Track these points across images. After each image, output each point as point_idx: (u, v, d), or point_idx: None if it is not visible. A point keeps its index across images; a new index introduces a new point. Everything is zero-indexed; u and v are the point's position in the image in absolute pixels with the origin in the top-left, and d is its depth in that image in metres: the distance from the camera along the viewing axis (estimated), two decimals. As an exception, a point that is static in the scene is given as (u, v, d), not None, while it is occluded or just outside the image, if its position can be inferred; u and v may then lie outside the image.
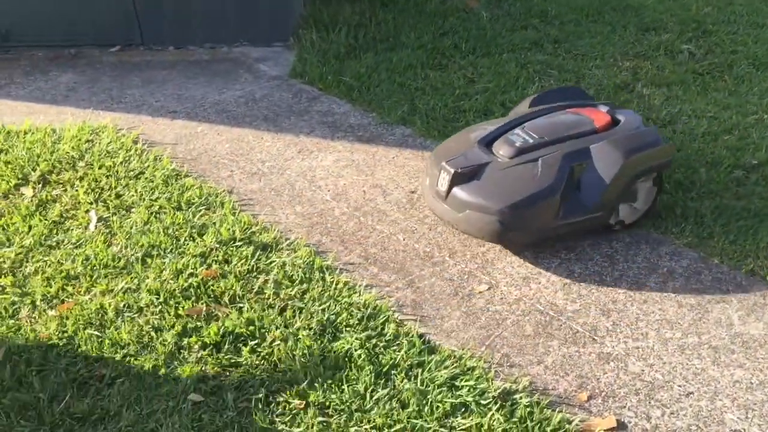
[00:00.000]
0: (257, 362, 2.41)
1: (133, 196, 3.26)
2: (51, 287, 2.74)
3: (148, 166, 3.47)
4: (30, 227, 3.08)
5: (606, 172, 2.76)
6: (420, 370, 2.36)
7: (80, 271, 2.82)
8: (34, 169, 3.46)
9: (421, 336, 2.50)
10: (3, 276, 2.81)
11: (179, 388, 2.31)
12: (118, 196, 3.27)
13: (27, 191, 3.33)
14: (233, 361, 2.42)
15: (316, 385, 2.31)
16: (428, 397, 2.26)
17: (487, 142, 2.94)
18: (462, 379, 2.33)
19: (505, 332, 2.53)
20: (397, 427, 2.18)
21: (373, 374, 2.34)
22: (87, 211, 3.16)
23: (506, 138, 2.91)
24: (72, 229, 3.06)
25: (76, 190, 3.30)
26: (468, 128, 3.18)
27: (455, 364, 2.38)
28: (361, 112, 3.97)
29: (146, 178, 3.38)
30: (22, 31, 4.80)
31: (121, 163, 3.50)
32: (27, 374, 2.37)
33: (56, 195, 3.29)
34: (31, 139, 3.71)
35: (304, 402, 2.27)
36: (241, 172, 3.46)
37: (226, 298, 2.67)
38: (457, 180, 2.79)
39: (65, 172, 3.44)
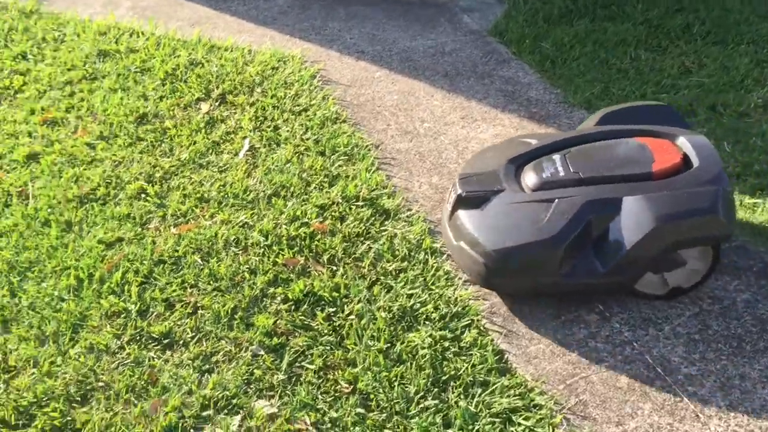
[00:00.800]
0: (326, 331, 2.37)
1: (287, 131, 3.31)
2: (183, 205, 2.91)
3: (313, 104, 3.49)
4: (192, 143, 3.27)
5: (630, 235, 2.21)
6: (480, 391, 2.16)
7: (213, 195, 2.95)
8: (217, 87, 3.65)
9: (498, 353, 2.28)
10: (152, 184, 3.04)
11: (247, 336, 2.36)
12: (275, 128, 3.35)
13: (204, 106, 3.53)
14: (305, 323, 2.40)
15: (369, 373, 2.22)
16: (476, 424, 2.07)
17: (519, 164, 2.49)
18: (522, 415, 2.09)
19: (594, 376, 2.22)
20: (431, 444, 2.03)
21: (430, 380, 2.19)
22: (244, 138, 3.29)
23: (538, 164, 2.44)
24: (224, 153, 3.21)
25: (243, 115, 3.43)
26: (521, 136, 2.72)
27: (521, 395, 2.14)
28: (546, 85, 3.63)
29: (306, 117, 3.41)
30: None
31: (292, 96, 3.56)
32: (130, 282, 2.56)
33: (225, 116, 3.46)
34: (227, 57, 3.91)
35: (352, 387, 2.19)
36: (396, 127, 3.36)
37: (325, 257, 2.64)
38: (461, 203, 2.42)
39: (242, 95, 3.59)
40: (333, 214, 2.83)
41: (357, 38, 4.15)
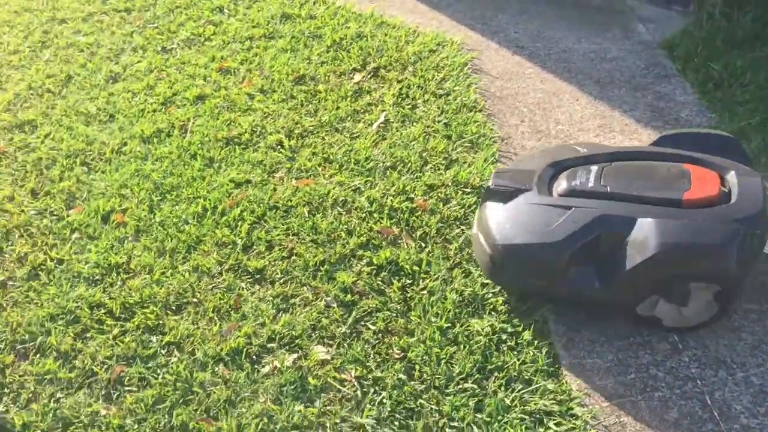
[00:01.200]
0: (397, 299, 2.50)
1: (423, 111, 3.45)
2: (309, 162, 3.16)
3: (456, 90, 3.60)
4: (336, 107, 3.52)
5: (633, 256, 2.15)
6: (521, 387, 2.19)
7: (338, 158, 3.17)
8: (374, 60, 3.87)
9: (552, 357, 2.29)
10: (289, 138, 3.32)
11: (325, 287, 2.56)
12: (413, 107, 3.50)
13: (357, 77, 3.77)
14: (380, 288, 2.55)
15: (422, 346, 2.33)
16: (507, 416, 2.12)
17: (559, 169, 2.46)
18: (554, 420, 2.10)
19: (643, 402, 2.16)
20: (457, 426, 2.11)
21: (476, 365, 2.26)
22: (382, 111, 3.48)
23: (573, 171, 2.41)
24: (360, 122, 3.42)
25: (389, 90, 3.62)
26: (577, 143, 2.67)
27: (560, 402, 2.15)
28: (702, 108, 3.44)
29: (446, 101, 3.53)
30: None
31: (439, 80, 3.69)
32: (244, 220, 2.86)
33: (373, 88, 3.66)
34: (392, 34, 4.11)
35: (402, 354, 2.32)
36: (529, 125, 3.38)
37: (418, 233, 2.77)
38: (490, 195, 2.46)
39: (393, 72, 3.78)
40: (439, 194, 2.94)
41: (521, 33, 4.17)
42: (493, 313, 2.44)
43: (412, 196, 2.94)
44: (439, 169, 3.08)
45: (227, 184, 3.05)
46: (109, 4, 4.61)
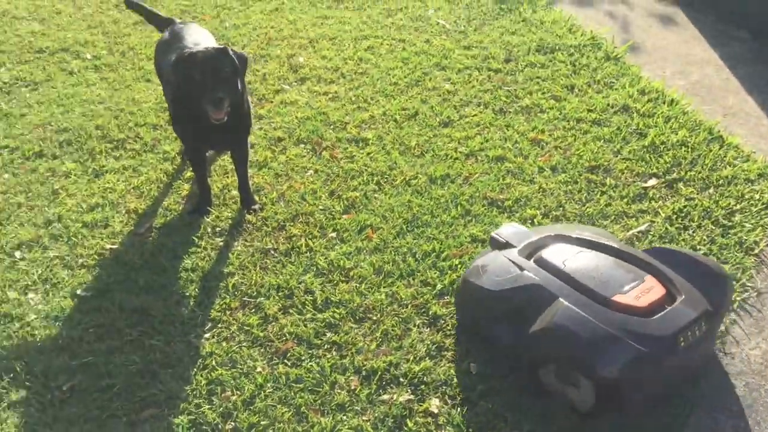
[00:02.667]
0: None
1: (689, 238, 3.24)
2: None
3: (741, 226, 3.27)
4: (606, 204, 3.52)
5: (536, 324, 2.42)
6: None
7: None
8: (679, 171, 3.72)
9: None
10: (546, 216, 3.46)
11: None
12: (683, 229, 3.31)
13: (650, 182, 3.68)
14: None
15: None
16: None
17: (551, 241, 2.74)
18: None
19: None
20: None
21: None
22: (650, 222, 3.37)
23: (554, 247, 2.69)
24: (619, 224, 3.38)
25: (671, 204, 3.47)
26: (585, 227, 3.06)
27: None
28: None
29: (722, 234, 3.25)
30: None
31: (729, 210, 3.40)
32: (456, 268, 3.14)
33: (658, 197, 3.55)
34: (718, 152, 3.85)
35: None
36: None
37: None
38: (490, 241, 2.90)
39: (691, 188, 3.59)
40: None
41: None
42: None
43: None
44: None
45: (465, 236, 3.35)
46: (487, 63, 5.20)
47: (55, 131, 4.40)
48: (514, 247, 2.74)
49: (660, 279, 2.50)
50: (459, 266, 3.15)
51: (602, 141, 4.06)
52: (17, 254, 3.38)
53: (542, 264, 2.59)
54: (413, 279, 3.12)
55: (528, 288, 2.52)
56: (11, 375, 2.74)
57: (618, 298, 2.40)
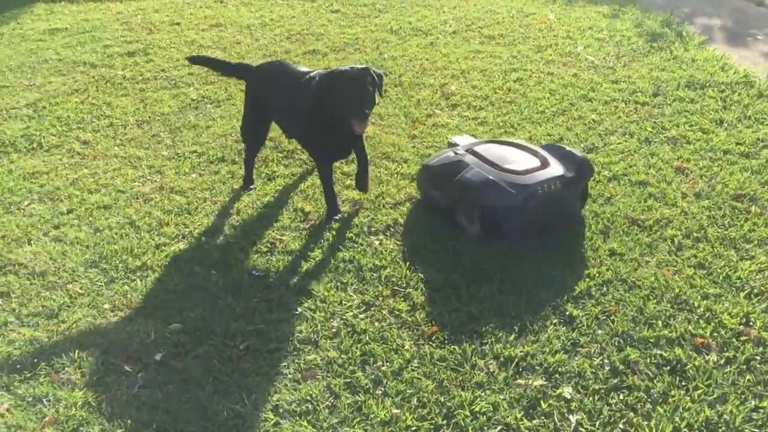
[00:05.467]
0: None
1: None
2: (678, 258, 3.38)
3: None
4: (750, 230, 3.58)
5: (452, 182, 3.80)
6: None
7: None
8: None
9: None
10: (688, 238, 3.56)
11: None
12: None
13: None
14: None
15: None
16: None
17: (480, 143, 4.07)
18: None
19: None
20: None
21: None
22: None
23: (481, 144, 4.05)
24: (755, 245, 3.42)
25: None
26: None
27: None
28: None
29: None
30: None
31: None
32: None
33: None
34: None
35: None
36: None
37: None
38: (448, 144, 4.40)
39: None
40: None
41: None
42: None
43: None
44: None
45: (603, 249, 3.52)
46: (635, 96, 5.33)
47: (235, 141, 4.99)
48: (456, 145, 4.07)
49: (539, 158, 3.73)
50: (596, 275, 3.33)
51: (750, 172, 4.10)
52: (203, 239, 3.91)
53: (470, 152, 3.83)
54: (553, 283, 3.33)
55: (455, 163, 3.77)
56: (197, 333, 3.20)
57: (507, 166, 3.66)
